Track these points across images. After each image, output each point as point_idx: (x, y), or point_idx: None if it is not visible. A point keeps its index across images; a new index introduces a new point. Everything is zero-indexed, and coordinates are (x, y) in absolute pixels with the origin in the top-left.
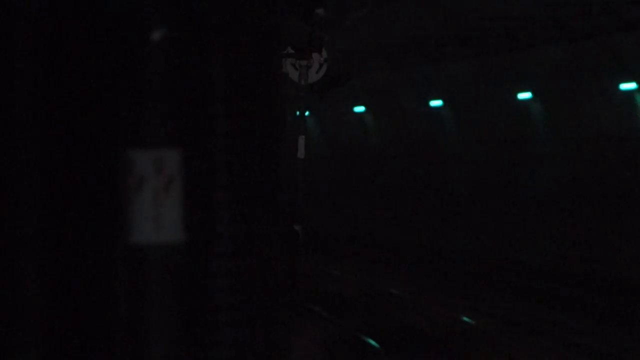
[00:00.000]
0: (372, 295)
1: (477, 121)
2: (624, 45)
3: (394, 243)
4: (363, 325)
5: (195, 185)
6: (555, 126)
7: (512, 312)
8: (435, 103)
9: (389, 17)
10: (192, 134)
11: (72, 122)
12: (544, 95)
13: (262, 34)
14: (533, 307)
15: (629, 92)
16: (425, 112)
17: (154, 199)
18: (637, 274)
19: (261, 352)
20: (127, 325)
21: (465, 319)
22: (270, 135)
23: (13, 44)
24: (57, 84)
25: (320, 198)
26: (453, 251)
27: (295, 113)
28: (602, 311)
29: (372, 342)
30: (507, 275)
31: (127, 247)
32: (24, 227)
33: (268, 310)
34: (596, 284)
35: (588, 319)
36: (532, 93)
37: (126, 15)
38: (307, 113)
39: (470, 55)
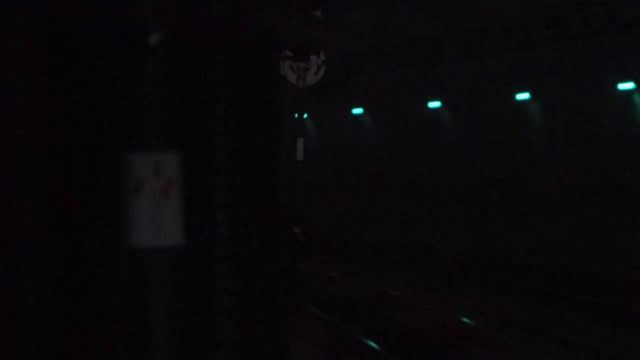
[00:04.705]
0: (372, 296)
1: (476, 122)
2: (622, 45)
3: (393, 244)
4: (363, 327)
5: (195, 187)
6: (554, 126)
7: (512, 312)
8: (434, 104)
9: (387, 18)
10: (190, 136)
11: (72, 125)
12: (542, 96)
13: (261, 37)
14: (533, 306)
15: (627, 92)
16: (423, 113)
17: (153, 202)
18: (637, 273)
19: (263, 353)
20: (128, 327)
21: (464, 319)
22: (269, 138)
23: (14, 46)
24: (56, 87)
25: (318, 200)
26: (454, 251)
27: (294, 115)
28: (603, 311)
29: (372, 343)
30: (507, 275)
31: (127, 250)
32: (25, 232)
33: (269, 312)
34: (597, 284)
35: (588, 319)
36: (530, 93)
37: (126, 19)
38: (305, 115)
39: (468, 56)
